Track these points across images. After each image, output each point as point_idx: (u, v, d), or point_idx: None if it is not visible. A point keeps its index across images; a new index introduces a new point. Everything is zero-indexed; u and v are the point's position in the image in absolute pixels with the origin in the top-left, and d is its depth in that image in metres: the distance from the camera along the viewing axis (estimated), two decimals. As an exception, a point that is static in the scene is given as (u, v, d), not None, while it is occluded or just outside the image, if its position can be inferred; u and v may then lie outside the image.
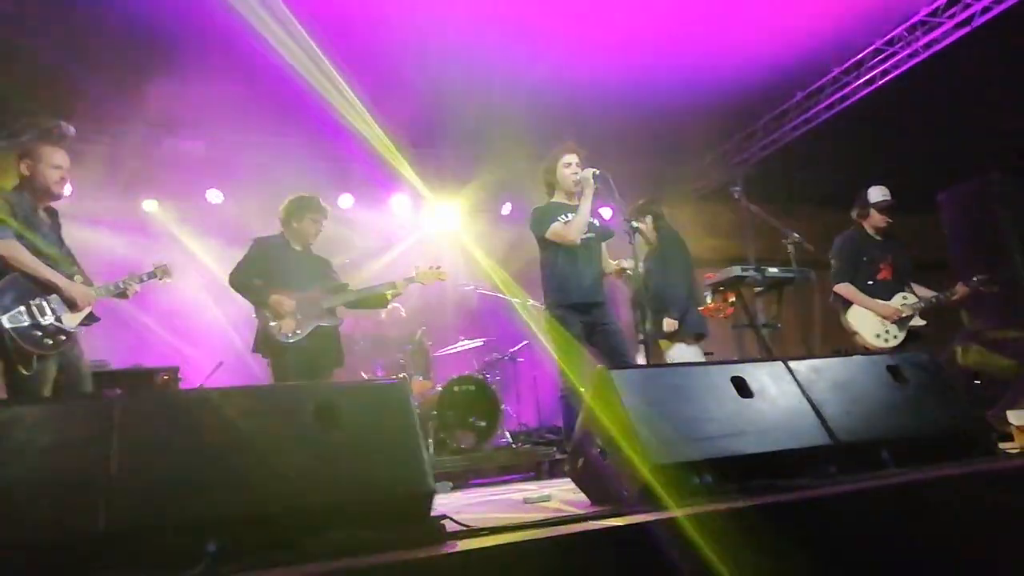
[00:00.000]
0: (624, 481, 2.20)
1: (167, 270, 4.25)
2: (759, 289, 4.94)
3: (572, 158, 4.30)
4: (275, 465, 1.79)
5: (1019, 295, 6.15)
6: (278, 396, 2.06)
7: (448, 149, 7.11)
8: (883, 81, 6.76)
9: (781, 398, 2.47)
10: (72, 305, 3.62)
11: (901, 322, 4.80)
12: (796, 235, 4.82)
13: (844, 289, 4.92)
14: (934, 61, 6.40)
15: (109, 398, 1.76)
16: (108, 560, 1.54)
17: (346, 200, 7.50)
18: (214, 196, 7.06)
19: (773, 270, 4.38)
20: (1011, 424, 2.86)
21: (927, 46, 6.35)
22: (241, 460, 1.77)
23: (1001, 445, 2.80)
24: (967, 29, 6.06)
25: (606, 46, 6.10)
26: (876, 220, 5.00)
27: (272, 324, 4.23)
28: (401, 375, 6.04)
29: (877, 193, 5.01)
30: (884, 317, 4.76)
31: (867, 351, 4.72)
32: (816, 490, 1.97)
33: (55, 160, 3.74)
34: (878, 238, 5.04)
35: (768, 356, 4.50)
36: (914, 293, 4.89)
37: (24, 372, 3.37)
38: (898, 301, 4.82)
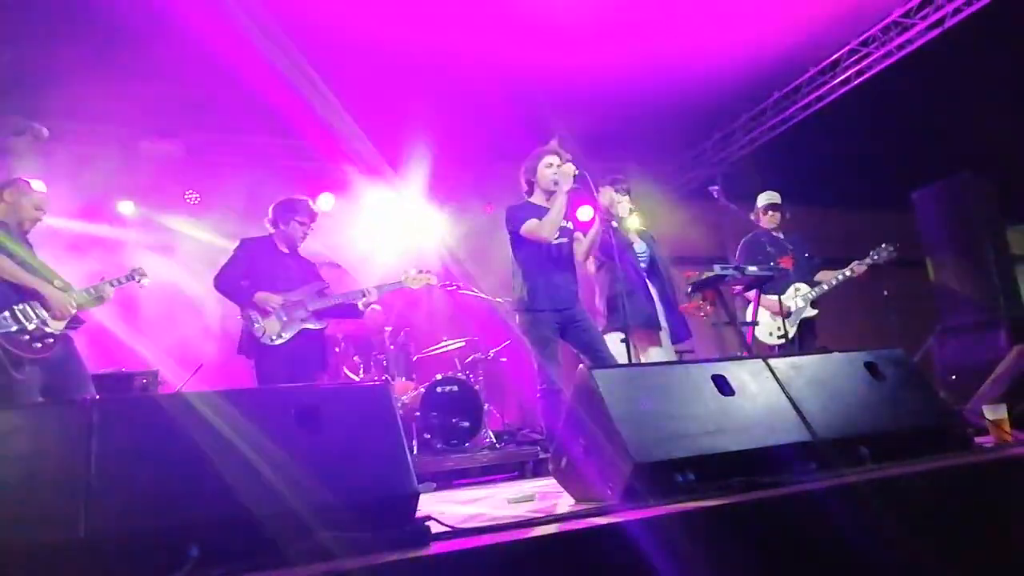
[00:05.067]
0: (607, 480, 2.21)
1: (143, 272, 4.33)
2: (738, 287, 4.99)
3: (555, 159, 4.23)
4: (258, 468, 1.78)
5: (992, 292, 6.26)
6: (260, 400, 2.05)
7: (430, 149, 7.09)
8: (858, 81, 6.84)
9: (761, 396, 2.50)
10: (50, 311, 3.68)
11: (792, 316, 4.94)
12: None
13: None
14: (908, 62, 6.50)
15: (87, 402, 1.74)
16: (89, 566, 1.52)
17: (326, 200, 7.45)
18: (192, 198, 6.98)
19: (752, 268, 4.43)
20: (986, 419, 2.90)
21: (901, 47, 6.44)
22: (223, 464, 1.76)
23: (976, 440, 2.85)
24: (939, 30, 6.16)
25: (584, 45, 6.11)
26: (766, 220, 5.35)
27: (257, 325, 4.20)
28: (383, 376, 6.02)
29: (764, 198, 5.41)
30: (773, 314, 4.89)
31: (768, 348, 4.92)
32: (796, 486, 1.99)
33: (35, 200, 3.97)
34: (776, 235, 5.31)
35: (748, 354, 4.55)
36: (811, 284, 5.04)
37: (17, 376, 3.45)
38: (790, 294, 4.94)
